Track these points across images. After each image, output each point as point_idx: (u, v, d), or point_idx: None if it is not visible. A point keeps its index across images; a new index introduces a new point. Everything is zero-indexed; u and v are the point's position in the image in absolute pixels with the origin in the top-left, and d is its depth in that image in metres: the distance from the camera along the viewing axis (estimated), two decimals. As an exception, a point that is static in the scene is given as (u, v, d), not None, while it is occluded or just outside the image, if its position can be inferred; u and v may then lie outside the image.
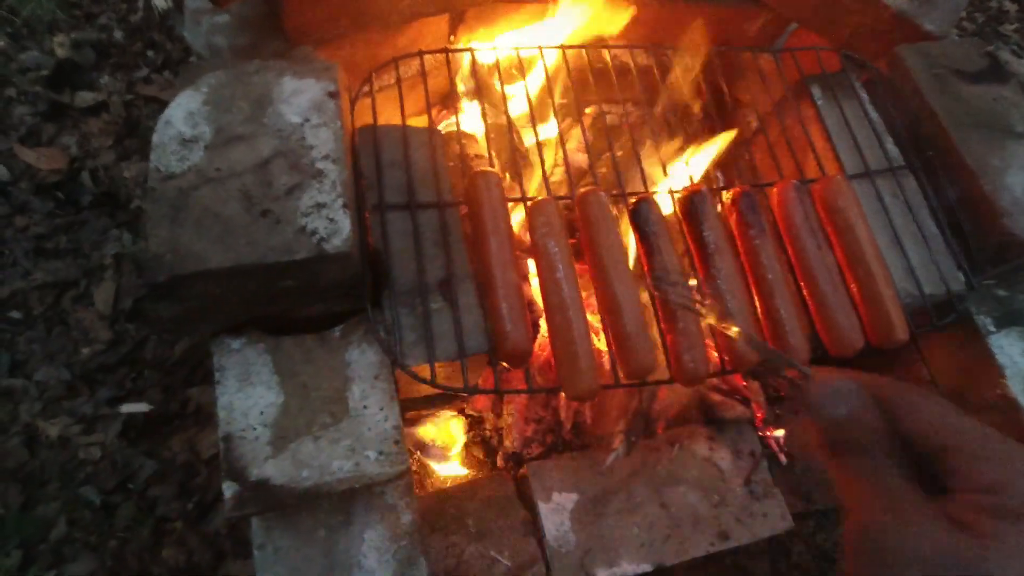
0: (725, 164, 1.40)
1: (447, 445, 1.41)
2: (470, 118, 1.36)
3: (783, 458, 1.40)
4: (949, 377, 1.30)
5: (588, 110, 1.60)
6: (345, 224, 0.86)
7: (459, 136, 1.18)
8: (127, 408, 1.44)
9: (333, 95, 0.95)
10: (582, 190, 1.04)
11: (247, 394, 0.91)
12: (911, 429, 0.42)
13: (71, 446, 1.41)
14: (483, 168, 1.03)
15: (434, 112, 1.19)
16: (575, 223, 1.09)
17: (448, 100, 1.38)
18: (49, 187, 1.64)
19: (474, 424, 1.43)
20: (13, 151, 1.66)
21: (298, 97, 0.94)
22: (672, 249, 1.00)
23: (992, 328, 1.19)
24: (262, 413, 0.90)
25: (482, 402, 1.42)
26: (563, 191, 1.13)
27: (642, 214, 1.01)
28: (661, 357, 0.97)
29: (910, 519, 0.39)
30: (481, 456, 1.41)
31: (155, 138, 0.86)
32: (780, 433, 1.43)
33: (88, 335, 1.51)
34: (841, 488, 0.43)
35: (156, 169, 0.84)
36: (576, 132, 1.59)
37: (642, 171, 1.17)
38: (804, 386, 0.47)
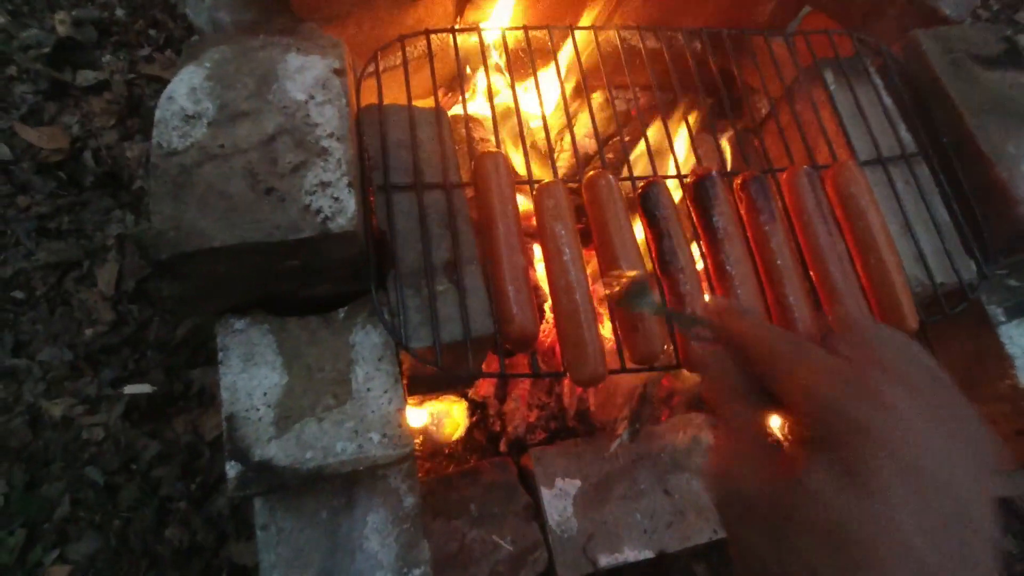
0: (734, 149, 1.38)
1: (450, 430, 1.41)
2: (476, 100, 1.34)
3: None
4: (958, 367, 1.29)
5: (595, 95, 1.58)
6: (350, 203, 0.84)
7: (466, 118, 1.16)
8: (130, 389, 1.44)
9: (339, 72, 0.93)
10: (590, 172, 1.03)
11: (251, 374, 0.90)
12: (771, 384, 0.43)
13: (74, 426, 1.41)
14: (490, 150, 1.02)
15: (440, 94, 1.17)
16: (583, 207, 1.07)
17: (454, 81, 1.36)
18: (51, 167, 1.63)
19: (477, 409, 1.42)
20: (14, 130, 1.64)
21: (303, 74, 0.92)
22: (682, 233, 0.98)
23: (1002, 318, 1.18)
24: (266, 394, 0.90)
25: (485, 387, 1.41)
26: (570, 175, 1.11)
27: (652, 198, 1.00)
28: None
29: (746, 460, 0.40)
30: (484, 441, 1.41)
31: (157, 114, 0.84)
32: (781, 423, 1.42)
33: (91, 316, 1.51)
34: (714, 437, 0.45)
35: (158, 145, 0.83)
36: (584, 116, 1.57)
37: (651, 156, 1.15)
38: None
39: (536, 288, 1.18)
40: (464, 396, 1.41)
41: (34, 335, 1.49)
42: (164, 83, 0.91)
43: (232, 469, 0.85)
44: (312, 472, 0.87)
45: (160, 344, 1.49)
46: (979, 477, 0.35)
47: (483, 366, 1.11)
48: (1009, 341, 1.15)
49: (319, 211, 0.83)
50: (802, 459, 0.37)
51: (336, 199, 0.84)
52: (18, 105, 1.68)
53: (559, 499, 1.26)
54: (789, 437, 0.40)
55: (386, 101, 1.05)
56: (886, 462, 0.34)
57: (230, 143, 0.85)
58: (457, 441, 1.39)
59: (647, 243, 1.02)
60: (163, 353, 1.48)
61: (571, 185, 1.09)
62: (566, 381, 1.40)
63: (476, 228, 1.00)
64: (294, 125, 0.88)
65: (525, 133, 1.10)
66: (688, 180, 1.08)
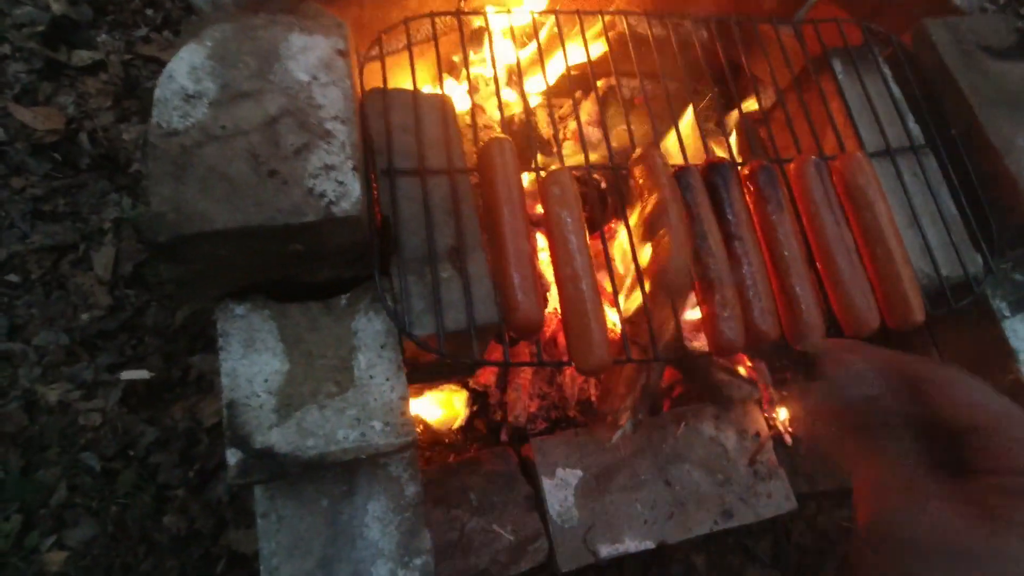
0: (741, 139, 1.36)
1: (450, 419, 1.40)
2: (481, 85, 1.32)
3: (788, 439, 1.39)
4: (960, 361, 1.29)
5: (600, 82, 1.56)
6: (354, 187, 0.83)
7: (472, 103, 1.14)
8: (127, 375, 1.43)
9: (343, 53, 0.91)
10: (637, 152, 1.02)
11: (251, 361, 0.89)
12: (939, 409, 0.39)
13: (71, 412, 1.39)
14: (496, 135, 1.00)
15: (445, 78, 1.15)
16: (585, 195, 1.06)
17: (459, 66, 1.34)
18: (46, 148, 1.60)
19: (478, 398, 1.41)
20: (8, 110, 1.61)
21: (306, 54, 0.90)
22: (713, 218, 0.98)
23: (1007, 312, 1.18)
24: (267, 380, 0.88)
25: (486, 376, 1.40)
26: (575, 163, 1.09)
27: (683, 182, 0.99)
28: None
29: (925, 504, 0.36)
30: (484, 431, 1.40)
31: (157, 92, 0.82)
32: (785, 414, 1.42)
33: (87, 300, 1.49)
34: (857, 473, 0.40)
35: (158, 125, 0.81)
36: (588, 104, 1.55)
37: (657, 145, 1.14)
38: (817, 361, 0.44)
39: (540, 276, 1.16)
40: (465, 385, 1.40)
41: (29, 319, 1.47)
42: (161, 64, 0.89)
43: (233, 456, 0.84)
44: (313, 460, 0.86)
45: (158, 330, 1.47)
46: None
47: (485, 354, 1.10)
48: (1013, 335, 1.15)
49: (323, 195, 0.81)
50: (1012, 507, 0.34)
51: (340, 183, 0.82)
52: (12, 84, 1.65)
53: (560, 489, 1.25)
54: (987, 486, 0.36)
55: (389, 86, 1.03)
56: None
57: (232, 124, 0.83)
58: (457, 430, 1.39)
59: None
60: (161, 339, 1.47)
61: (575, 173, 1.08)
62: (567, 371, 1.40)
63: (480, 215, 0.98)
64: (297, 106, 0.86)
65: (529, 119, 1.09)
66: (701, 168, 1.07)
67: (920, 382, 0.40)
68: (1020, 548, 0.33)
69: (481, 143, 1.00)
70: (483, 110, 1.36)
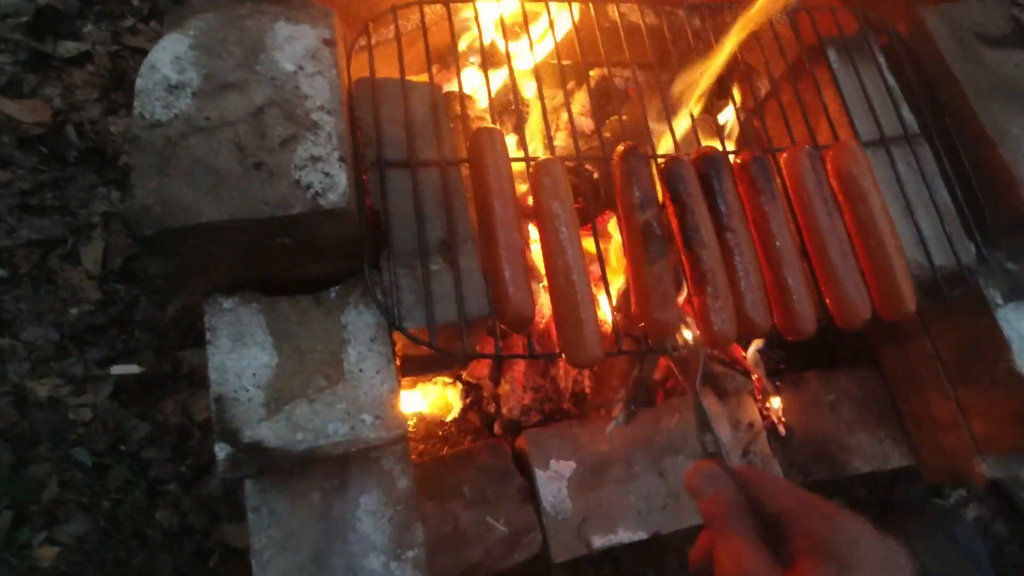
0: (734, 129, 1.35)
1: (443, 411, 1.40)
2: (471, 76, 1.31)
3: (782, 430, 1.39)
4: (954, 350, 1.29)
5: (592, 72, 1.54)
6: (341, 179, 0.82)
7: (460, 94, 1.13)
8: (118, 370, 1.42)
9: (329, 43, 0.90)
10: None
11: (240, 355, 0.88)
12: (759, 499, 0.54)
13: (61, 407, 1.38)
14: (486, 125, 0.99)
15: (434, 69, 1.13)
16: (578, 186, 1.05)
17: (449, 56, 1.32)
18: (32, 140, 1.58)
19: (471, 391, 1.41)
20: (-6, 102, 1.59)
21: (292, 44, 0.88)
22: (705, 210, 0.97)
23: (1000, 301, 1.17)
24: (255, 374, 0.88)
25: (480, 369, 1.40)
26: (567, 154, 1.08)
27: (675, 173, 0.98)
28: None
29: (757, 565, 0.50)
30: (478, 423, 1.40)
31: (139, 83, 0.81)
32: (779, 405, 1.42)
33: (77, 295, 1.47)
34: (714, 555, 0.52)
35: (141, 116, 0.80)
36: (580, 94, 1.54)
37: (650, 135, 1.13)
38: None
39: (532, 268, 1.15)
40: (458, 378, 1.40)
41: (18, 314, 1.45)
42: (149, 55, 0.88)
43: (221, 451, 0.83)
44: (303, 454, 0.86)
45: (148, 324, 1.46)
46: None
47: (477, 347, 1.10)
48: (1007, 325, 1.15)
49: (309, 186, 0.80)
50: (809, 565, 0.49)
51: (327, 174, 0.81)
52: (-3, 76, 1.63)
53: (554, 481, 1.25)
54: (793, 550, 0.51)
55: (378, 76, 1.02)
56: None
57: (216, 115, 0.82)
58: (451, 423, 1.38)
59: (670, 218, 1.00)
60: (152, 333, 1.45)
61: (568, 163, 1.07)
62: (561, 363, 1.39)
63: (472, 206, 0.97)
64: (283, 97, 0.85)
65: (521, 110, 1.08)
66: (691, 158, 1.06)
67: (746, 482, 0.56)
68: None
69: (471, 133, 0.99)
70: (473, 100, 1.35)
